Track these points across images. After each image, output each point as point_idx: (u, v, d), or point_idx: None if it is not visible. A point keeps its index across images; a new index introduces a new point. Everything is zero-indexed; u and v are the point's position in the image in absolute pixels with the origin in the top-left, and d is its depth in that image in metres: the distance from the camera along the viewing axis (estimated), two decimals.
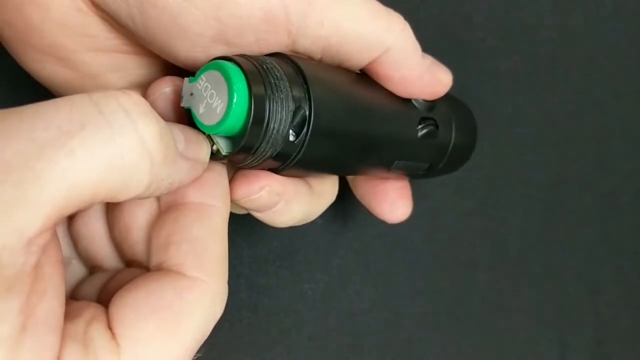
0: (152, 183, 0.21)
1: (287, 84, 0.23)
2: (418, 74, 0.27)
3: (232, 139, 0.24)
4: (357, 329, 0.38)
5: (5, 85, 0.30)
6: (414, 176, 0.31)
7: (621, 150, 0.41)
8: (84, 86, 0.27)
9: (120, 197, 0.21)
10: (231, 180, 0.26)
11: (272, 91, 0.23)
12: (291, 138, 0.24)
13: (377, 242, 0.38)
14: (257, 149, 0.23)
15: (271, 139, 0.23)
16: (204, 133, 0.24)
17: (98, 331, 0.22)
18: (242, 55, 0.24)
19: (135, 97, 0.21)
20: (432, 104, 0.29)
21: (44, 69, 0.26)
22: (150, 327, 0.22)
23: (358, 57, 0.26)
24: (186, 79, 0.24)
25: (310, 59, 0.26)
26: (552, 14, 0.39)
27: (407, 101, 0.28)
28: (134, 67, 0.27)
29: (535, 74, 0.39)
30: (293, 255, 0.37)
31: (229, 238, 0.36)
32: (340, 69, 0.26)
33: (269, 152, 0.24)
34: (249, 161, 0.24)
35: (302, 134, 0.24)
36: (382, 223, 0.38)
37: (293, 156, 0.24)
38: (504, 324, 0.40)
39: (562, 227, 0.41)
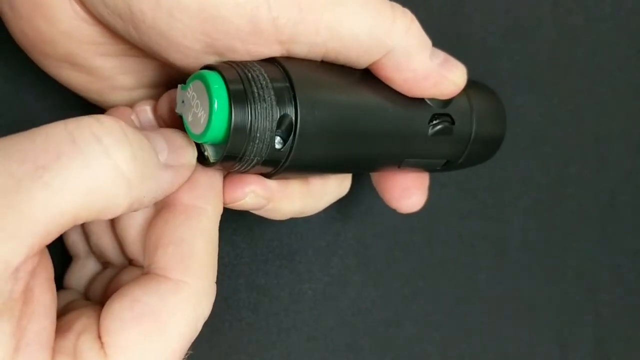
0: (133, 202, 0.22)
1: (272, 92, 0.23)
2: (423, 76, 0.26)
3: (218, 146, 0.24)
4: (357, 329, 0.38)
5: (5, 76, 0.31)
6: (431, 171, 0.30)
7: (621, 150, 0.41)
8: (99, 88, 0.27)
9: (102, 217, 0.22)
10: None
11: (254, 100, 0.23)
12: (277, 146, 0.24)
13: (377, 242, 0.38)
14: (242, 157, 0.23)
15: (255, 148, 0.23)
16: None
17: (88, 343, 0.23)
18: (230, 63, 0.24)
19: (108, 123, 0.21)
20: (446, 100, 0.28)
21: (61, 74, 0.27)
22: (135, 334, 0.23)
23: (358, 60, 0.25)
24: (179, 86, 0.24)
25: (308, 60, 0.25)
26: (552, 14, 0.39)
27: (417, 98, 0.27)
28: (144, 68, 0.27)
29: (535, 74, 0.39)
30: (293, 255, 0.37)
31: (230, 238, 0.36)
32: (343, 68, 0.26)
33: (255, 160, 0.24)
34: (237, 168, 0.24)
35: (289, 141, 0.24)
36: (382, 223, 0.38)
37: (282, 162, 0.24)
38: (504, 324, 0.40)
39: (562, 227, 0.41)
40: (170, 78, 0.28)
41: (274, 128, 0.23)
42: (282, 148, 0.24)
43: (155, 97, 0.28)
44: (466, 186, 0.39)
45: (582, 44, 0.40)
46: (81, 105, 0.31)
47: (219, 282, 0.33)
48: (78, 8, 0.24)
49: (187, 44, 0.23)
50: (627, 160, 0.42)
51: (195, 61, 0.24)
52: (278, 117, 0.23)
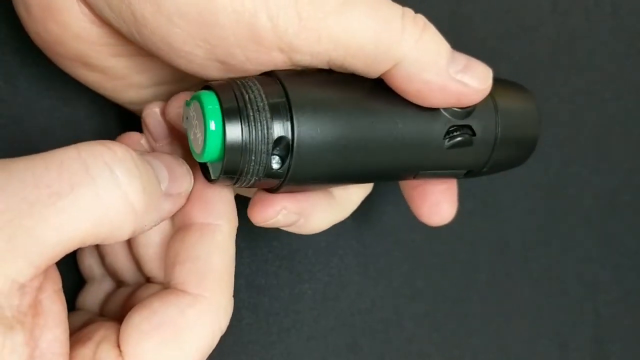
0: (135, 230, 0.23)
1: (268, 115, 0.23)
2: (438, 87, 0.25)
3: (217, 164, 0.24)
4: (357, 329, 0.38)
5: (5, 75, 0.31)
6: (454, 177, 0.29)
7: (621, 150, 0.41)
8: (113, 86, 0.28)
9: (105, 242, 0.23)
10: (250, 204, 0.26)
11: (249, 124, 0.23)
12: (275, 165, 0.24)
13: (377, 242, 0.38)
14: (240, 176, 0.24)
15: (251, 168, 0.23)
16: (191, 160, 0.25)
17: (106, 351, 0.23)
18: (230, 81, 0.24)
19: (120, 153, 0.22)
20: (468, 110, 0.26)
21: (76, 73, 0.27)
22: (153, 344, 0.24)
23: (366, 70, 0.24)
24: (184, 102, 0.24)
25: (314, 73, 0.25)
26: (552, 14, 0.39)
27: (432, 110, 0.26)
28: (158, 67, 0.27)
29: (535, 74, 0.39)
30: (293, 255, 0.37)
31: None
32: (352, 78, 0.25)
33: (253, 179, 0.24)
34: (238, 185, 0.24)
35: (286, 161, 0.24)
36: (382, 223, 0.38)
37: (282, 180, 0.24)
38: (504, 324, 0.40)
39: (562, 227, 0.41)
40: (184, 75, 0.28)
41: (270, 150, 0.23)
42: (280, 168, 0.24)
43: (170, 94, 0.28)
44: (466, 186, 0.39)
45: (582, 44, 0.40)
46: (81, 105, 0.31)
47: None
48: (87, 11, 0.24)
49: (188, 50, 0.23)
50: (627, 160, 0.42)
51: (198, 67, 0.24)
52: (274, 139, 0.23)
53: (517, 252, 0.40)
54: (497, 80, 0.27)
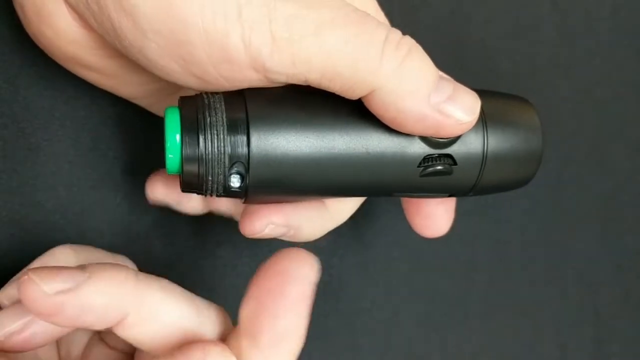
0: None
1: (226, 136, 0.23)
2: (416, 118, 0.23)
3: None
4: (357, 329, 0.38)
5: (5, 75, 0.31)
6: (435, 198, 0.28)
7: (621, 150, 0.41)
8: (113, 83, 0.28)
9: None
10: (240, 216, 0.27)
11: (206, 145, 0.23)
12: (235, 184, 0.24)
13: (377, 241, 0.38)
14: (201, 191, 0.24)
15: (209, 186, 0.24)
16: None
17: None
18: (197, 98, 0.24)
19: None
20: (451, 139, 0.25)
21: (75, 71, 0.27)
22: None
23: (343, 94, 0.24)
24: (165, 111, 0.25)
25: (284, 93, 0.24)
26: (552, 14, 0.39)
27: (409, 136, 0.24)
28: None
29: (535, 74, 0.39)
30: None
31: (230, 238, 0.36)
32: (327, 97, 0.24)
33: (214, 194, 0.24)
34: (204, 196, 0.25)
35: (244, 183, 0.24)
36: (382, 223, 0.38)
37: (243, 198, 0.25)
38: (504, 324, 0.40)
39: (562, 227, 0.41)
40: None
41: (227, 171, 0.23)
42: (238, 187, 0.24)
43: (169, 88, 0.29)
44: None
45: (582, 44, 0.40)
46: (81, 104, 0.31)
47: (219, 281, 0.33)
48: (76, 17, 0.24)
49: (164, 64, 0.23)
50: (627, 160, 0.42)
51: (177, 80, 0.24)
52: (230, 160, 0.23)
53: (517, 252, 0.40)
54: (491, 94, 0.26)
